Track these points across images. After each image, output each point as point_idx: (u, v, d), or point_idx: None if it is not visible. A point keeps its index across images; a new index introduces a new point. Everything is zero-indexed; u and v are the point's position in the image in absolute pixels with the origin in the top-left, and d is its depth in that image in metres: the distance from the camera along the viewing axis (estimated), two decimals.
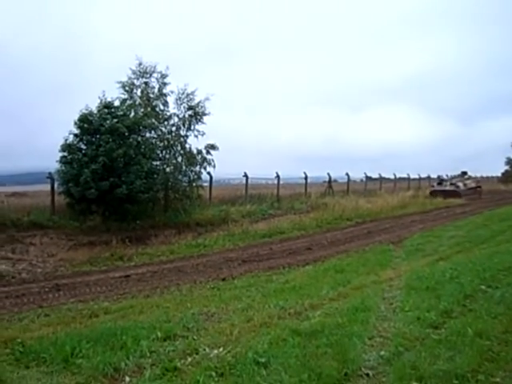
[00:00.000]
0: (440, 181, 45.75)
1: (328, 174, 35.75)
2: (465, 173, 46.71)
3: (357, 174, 45.91)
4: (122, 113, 20.05)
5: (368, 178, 43.02)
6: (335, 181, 39.35)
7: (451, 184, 43.05)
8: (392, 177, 46.56)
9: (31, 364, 6.10)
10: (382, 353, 5.85)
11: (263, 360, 5.65)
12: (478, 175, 53.76)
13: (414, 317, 7.26)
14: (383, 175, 44.74)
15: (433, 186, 44.23)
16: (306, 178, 33.18)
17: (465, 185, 43.08)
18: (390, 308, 8.11)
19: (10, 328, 8.24)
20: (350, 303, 8.50)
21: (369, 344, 6.25)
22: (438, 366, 5.31)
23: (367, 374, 5.30)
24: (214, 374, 5.38)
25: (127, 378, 5.47)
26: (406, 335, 6.42)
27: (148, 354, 6.16)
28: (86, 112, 19.61)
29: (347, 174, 38.16)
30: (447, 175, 48.87)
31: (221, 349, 6.23)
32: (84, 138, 19.46)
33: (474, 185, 45.02)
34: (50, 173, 20.46)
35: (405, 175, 48.51)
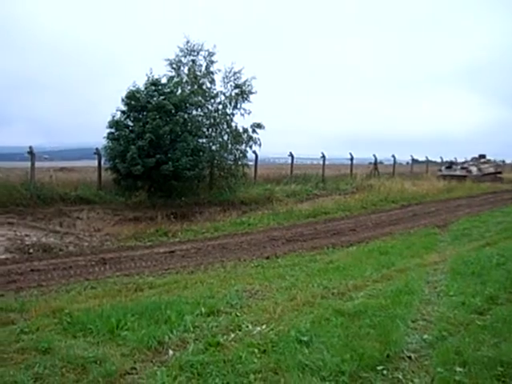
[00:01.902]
0: (449, 164, 41.06)
1: (374, 155, 35.44)
2: (482, 156, 41.70)
3: (403, 157, 45.26)
4: (168, 90, 20.11)
5: (414, 161, 42.11)
6: (381, 163, 39.01)
7: (462, 168, 38.78)
8: (439, 160, 44.84)
9: (78, 334, 6.22)
10: (425, 336, 5.83)
11: (305, 339, 5.68)
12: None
13: (458, 302, 7.20)
14: (430, 158, 43.84)
15: (440, 170, 39.64)
16: (351, 158, 32.95)
17: (479, 169, 38.73)
18: (434, 292, 8.06)
19: (57, 299, 8.40)
20: (394, 285, 8.46)
21: (412, 327, 6.23)
22: (483, 353, 5.26)
23: (409, 357, 5.28)
24: (256, 350, 5.43)
25: (171, 352, 5.55)
26: (450, 320, 6.38)
27: (191, 329, 6.24)
28: (134, 89, 19.75)
29: (393, 156, 37.74)
30: (465, 158, 42.82)
31: (264, 326, 6.28)
32: (131, 114, 19.65)
33: (492, 170, 40.17)
34: (97, 149, 20.77)
35: (452, 159, 45.27)
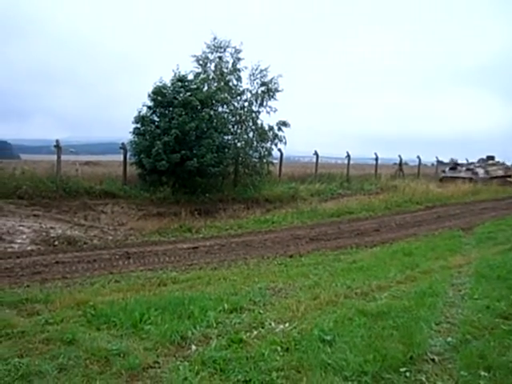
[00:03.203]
0: (454, 165, 38.34)
1: (399, 156, 35.21)
2: (491, 157, 38.66)
3: (428, 158, 44.88)
4: (195, 86, 20.17)
5: (439, 162, 41.60)
6: (406, 163, 38.74)
7: (468, 170, 36.20)
8: (464, 162, 43.83)
9: (102, 326, 6.28)
10: (449, 339, 5.77)
11: (328, 338, 5.67)
12: None
13: (483, 305, 7.12)
14: (455, 160, 43.20)
15: (444, 172, 37.15)
16: (376, 159, 32.81)
17: (486, 172, 35.92)
18: (459, 295, 7.98)
19: (82, 291, 8.47)
20: (418, 287, 8.41)
21: (435, 329, 6.18)
22: (508, 358, 5.21)
23: (433, 360, 5.24)
24: (279, 348, 5.44)
25: (193, 347, 5.58)
26: (474, 323, 6.31)
27: (214, 325, 6.27)
28: (160, 85, 19.83)
29: (418, 157, 37.47)
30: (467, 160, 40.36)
31: (286, 324, 6.29)
32: (157, 110, 19.74)
33: (501, 172, 36.92)
34: (122, 143, 20.89)
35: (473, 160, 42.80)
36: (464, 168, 36.83)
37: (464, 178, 34.13)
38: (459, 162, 40.44)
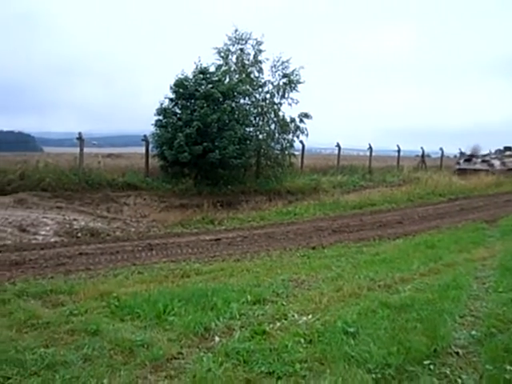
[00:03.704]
0: (469, 156, 36.07)
1: (421, 148, 34.96)
2: (508, 148, 36.77)
3: (450, 150, 44.33)
4: (216, 78, 20.17)
5: (462, 154, 41.10)
6: (428, 155, 38.30)
7: (483, 161, 34.39)
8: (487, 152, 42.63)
9: (126, 318, 6.34)
10: (473, 332, 5.72)
11: (352, 330, 5.65)
12: None
13: (508, 298, 7.06)
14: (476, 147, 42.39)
15: (458, 164, 35.54)
16: (398, 151, 32.64)
17: (503, 163, 34.25)
18: (483, 287, 7.92)
19: (105, 282, 8.51)
20: (441, 280, 8.35)
21: (459, 322, 6.14)
22: None
23: (457, 353, 5.19)
24: (302, 340, 5.44)
25: (217, 338, 5.60)
26: (499, 316, 6.24)
27: (238, 317, 6.28)
28: (182, 77, 19.88)
29: (441, 149, 37.10)
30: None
31: (309, 316, 6.28)
32: (179, 102, 19.81)
33: None
34: (145, 135, 21.01)
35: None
36: (479, 160, 35.17)
37: (480, 169, 32.88)
38: (482, 152, 38.13)
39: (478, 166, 33.63)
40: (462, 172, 32.82)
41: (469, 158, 35.57)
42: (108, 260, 10.82)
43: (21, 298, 7.38)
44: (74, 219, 14.86)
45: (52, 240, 12.90)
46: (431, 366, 4.86)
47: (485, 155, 36.38)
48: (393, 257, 10.76)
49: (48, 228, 13.79)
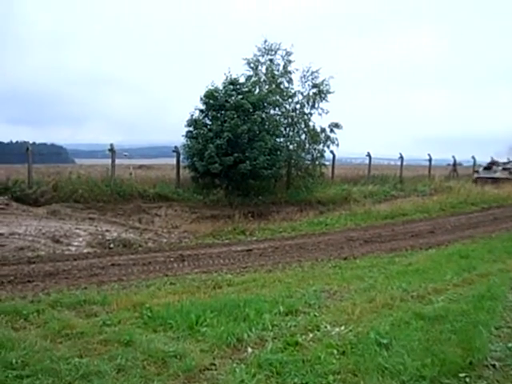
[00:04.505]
0: (489, 164, 34.35)
1: (453, 156, 34.60)
2: None
3: (483, 158, 43.76)
4: (246, 89, 20.23)
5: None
6: (460, 164, 37.85)
7: (504, 169, 32.90)
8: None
9: (158, 328, 6.36)
10: (510, 345, 5.63)
11: (385, 341, 5.60)
12: None
13: None
14: None
15: (477, 172, 33.79)
16: (429, 160, 32.34)
17: None
18: None
19: (138, 293, 8.56)
20: (476, 290, 8.25)
21: (495, 334, 6.05)
22: None
23: (494, 366, 5.11)
24: (335, 351, 5.40)
25: (249, 349, 5.58)
26: None
27: (270, 328, 6.26)
28: (212, 88, 19.98)
29: (473, 158, 36.66)
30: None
31: (342, 327, 6.24)
32: (209, 113, 19.87)
33: None
34: (175, 147, 21.14)
35: None
36: (500, 168, 33.63)
37: (500, 178, 31.71)
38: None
39: (498, 175, 32.54)
40: (481, 181, 31.42)
41: (489, 166, 34.30)
42: (140, 271, 10.89)
43: (55, 308, 7.46)
44: (107, 230, 14.99)
45: (85, 251, 13.02)
46: (467, 379, 4.80)
47: (506, 163, 34.98)
48: (425, 267, 10.65)
49: (81, 239, 13.93)
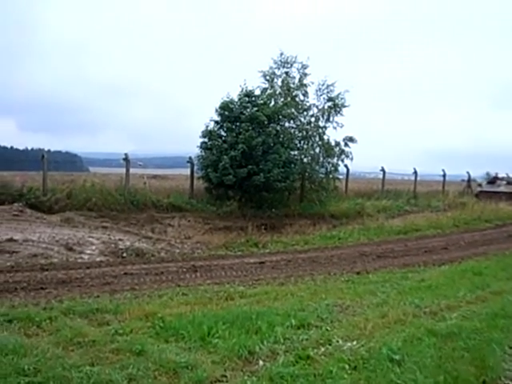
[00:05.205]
0: (492, 179, 33.83)
1: (467, 172, 34.46)
2: None
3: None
4: (262, 101, 20.34)
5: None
6: (474, 180, 37.68)
7: (508, 184, 32.12)
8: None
9: (170, 339, 6.33)
10: None
11: (397, 357, 5.55)
12: None
13: None
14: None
15: (480, 186, 33.34)
16: (444, 175, 32.25)
17: None
18: None
19: (150, 303, 8.55)
20: (489, 308, 8.18)
21: (509, 353, 6.00)
22: None
23: None
24: (347, 366, 5.36)
25: (261, 362, 5.55)
26: None
27: (282, 341, 6.23)
28: (227, 100, 20.11)
29: (487, 174, 36.46)
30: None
31: (354, 342, 6.20)
32: (224, 125, 19.96)
33: None
34: (190, 157, 21.22)
35: None
36: (504, 182, 32.83)
37: (504, 192, 30.84)
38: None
39: (501, 189, 31.74)
40: (483, 195, 30.49)
41: (492, 181, 33.76)
42: (153, 280, 10.88)
43: (67, 316, 7.46)
44: (120, 239, 15.02)
45: (98, 259, 13.04)
46: None
47: (510, 177, 33.79)
48: (438, 283, 10.57)
49: (94, 247, 13.96)
